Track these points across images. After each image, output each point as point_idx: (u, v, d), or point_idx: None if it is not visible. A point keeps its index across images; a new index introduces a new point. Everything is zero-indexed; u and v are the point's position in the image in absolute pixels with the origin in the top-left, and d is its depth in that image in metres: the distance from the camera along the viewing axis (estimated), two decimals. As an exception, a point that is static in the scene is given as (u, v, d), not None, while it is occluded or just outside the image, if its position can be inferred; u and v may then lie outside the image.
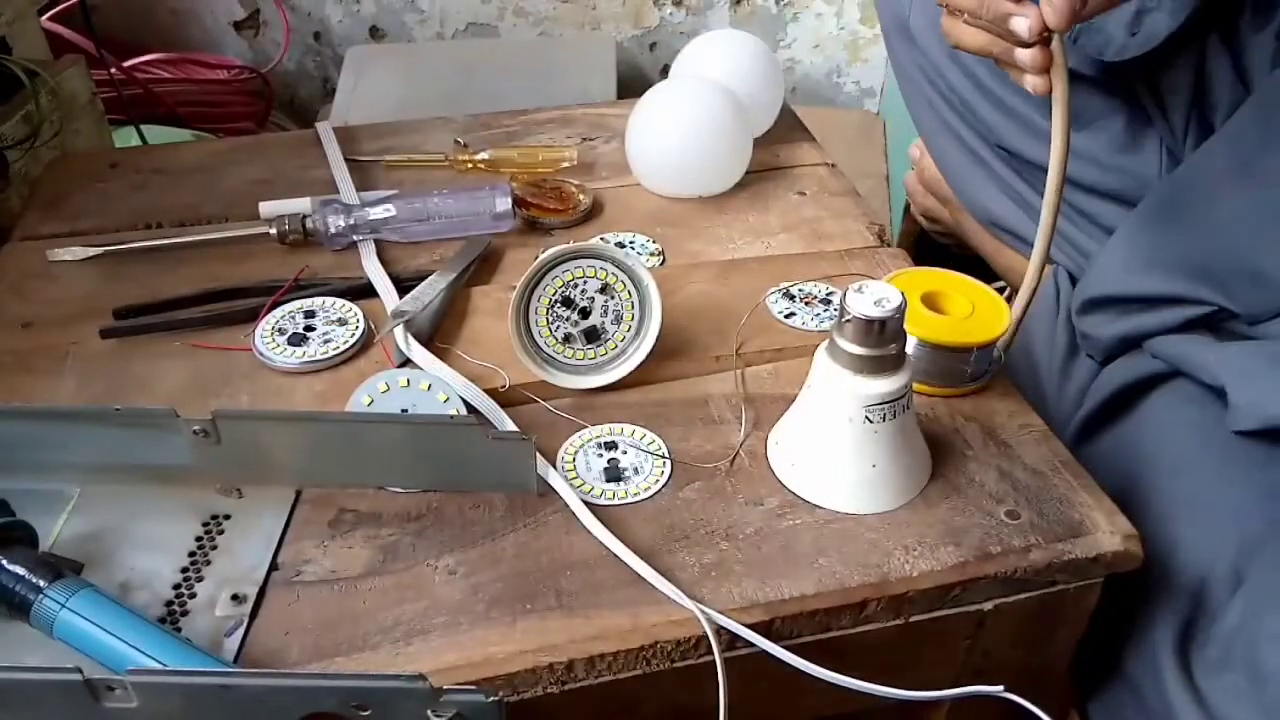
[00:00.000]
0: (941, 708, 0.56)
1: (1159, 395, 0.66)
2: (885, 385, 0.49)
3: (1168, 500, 0.59)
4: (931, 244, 1.06)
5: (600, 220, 0.76)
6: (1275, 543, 0.54)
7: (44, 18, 1.24)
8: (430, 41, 1.61)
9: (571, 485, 0.52)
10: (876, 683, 0.44)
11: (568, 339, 0.58)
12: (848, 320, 0.48)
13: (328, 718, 0.37)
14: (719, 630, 0.45)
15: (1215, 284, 0.64)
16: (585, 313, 0.58)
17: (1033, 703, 0.44)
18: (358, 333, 0.62)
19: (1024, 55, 0.54)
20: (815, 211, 0.77)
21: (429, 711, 0.37)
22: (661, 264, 0.71)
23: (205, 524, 0.51)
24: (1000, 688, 0.44)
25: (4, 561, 0.44)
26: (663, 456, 0.55)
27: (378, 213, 0.71)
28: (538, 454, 0.51)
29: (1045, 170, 0.56)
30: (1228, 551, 0.55)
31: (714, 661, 0.44)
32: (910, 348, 0.55)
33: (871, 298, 0.48)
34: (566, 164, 0.82)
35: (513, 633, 0.45)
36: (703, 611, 0.45)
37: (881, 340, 0.48)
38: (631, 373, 0.59)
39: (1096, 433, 0.70)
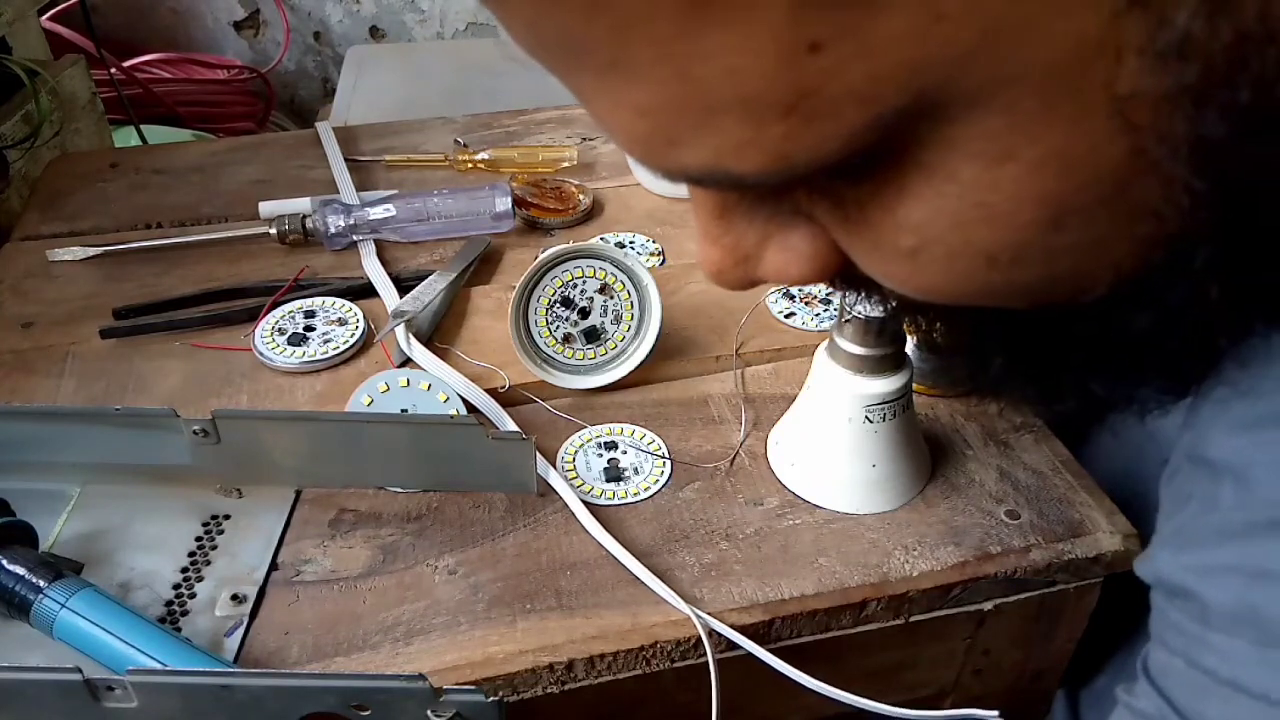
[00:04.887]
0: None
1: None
2: (885, 385, 0.49)
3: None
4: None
5: (600, 220, 0.76)
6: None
7: (44, 18, 1.24)
8: (430, 41, 1.62)
9: (571, 485, 0.52)
10: (873, 686, 0.44)
11: (567, 339, 0.58)
12: (848, 320, 0.48)
13: (328, 718, 0.37)
14: (710, 631, 0.45)
15: None
16: (585, 313, 0.58)
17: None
18: (358, 333, 0.62)
19: None
20: (815, 211, 0.77)
21: (429, 711, 0.37)
22: (661, 264, 0.71)
23: (205, 524, 0.51)
24: (995, 713, 0.44)
25: (4, 561, 0.44)
26: (662, 456, 0.55)
27: (378, 213, 0.71)
28: (538, 454, 0.51)
29: None
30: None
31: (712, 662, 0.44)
32: (910, 348, 0.55)
33: (871, 298, 0.48)
34: (566, 164, 0.82)
35: (513, 633, 0.45)
36: (697, 614, 0.45)
37: (881, 340, 0.48)
38: (631, 373, 0.59)
39: None
